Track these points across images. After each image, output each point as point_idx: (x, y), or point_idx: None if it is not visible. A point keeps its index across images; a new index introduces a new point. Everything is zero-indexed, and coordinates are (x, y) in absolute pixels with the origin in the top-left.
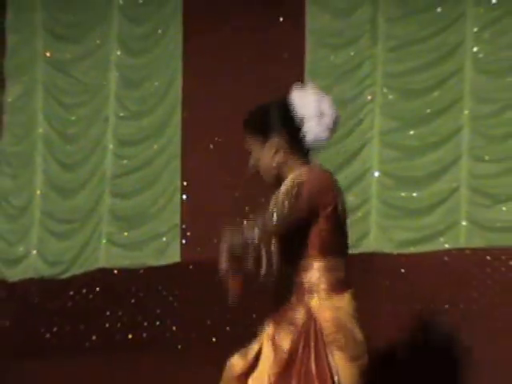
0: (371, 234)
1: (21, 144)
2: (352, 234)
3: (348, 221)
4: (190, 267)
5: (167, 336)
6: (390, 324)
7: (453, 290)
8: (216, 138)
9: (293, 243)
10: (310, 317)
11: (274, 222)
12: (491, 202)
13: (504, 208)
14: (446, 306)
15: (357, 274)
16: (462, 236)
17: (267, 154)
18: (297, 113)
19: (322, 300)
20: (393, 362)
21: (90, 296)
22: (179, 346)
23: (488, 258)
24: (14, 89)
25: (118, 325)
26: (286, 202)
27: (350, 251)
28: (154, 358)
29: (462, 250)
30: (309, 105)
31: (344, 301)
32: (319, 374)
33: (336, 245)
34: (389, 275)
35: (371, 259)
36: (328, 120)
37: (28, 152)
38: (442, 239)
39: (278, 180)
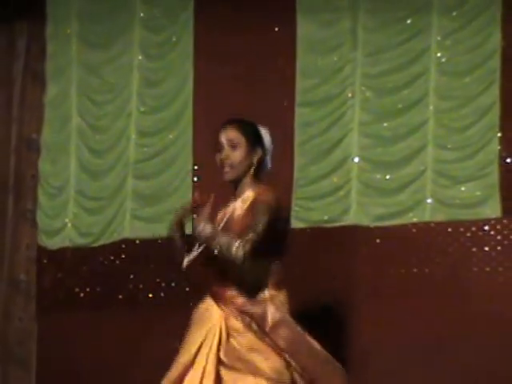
0: (351, 210)
1: (58, 135)
2: (335, 210)
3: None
4: None
5: (181, 296)
6: (367, 285)
7: (420, 256)
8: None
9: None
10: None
11: (247, 251)
12: (452, 182)
13: (463, 188)
14: (415, 270)
15: (339, 244)
16: (428, 211)
17: (247, 159)
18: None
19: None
20: (368, 319)
21: (117, 262)
22: (191, 304)
23: (449, 229)
24: (52, 88)
25: (140, 286)
26: (259, 224)
27: (335, 224)
28: (171, 314)
29: (427, 223)
30: (268, 142)
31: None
32: None
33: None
34: (366, 244)
35: (352, 231)
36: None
37: (64, 141)
38: (410, 214)
39: (237, 182)
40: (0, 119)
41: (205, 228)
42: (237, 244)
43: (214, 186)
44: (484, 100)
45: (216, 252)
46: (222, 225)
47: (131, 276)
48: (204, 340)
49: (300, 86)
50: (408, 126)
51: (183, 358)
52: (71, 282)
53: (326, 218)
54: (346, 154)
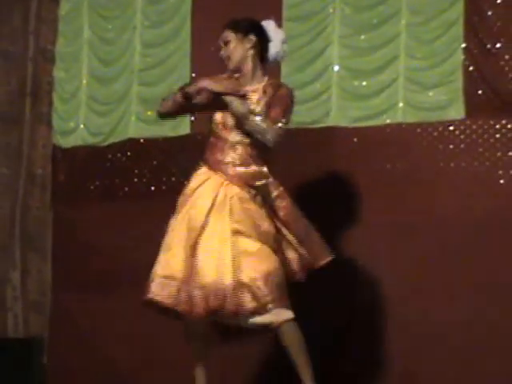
0: (332, 113)
1: (71, 46)
2: (318, 113)
3: None
4: (198, 137)
5: (181, 188)
6: (345, 179)
7: (392, 154)
8: (216, 43)
9: None
10: None
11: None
12: (421, 88)
13: (430, 93)
14: (388, 166)
15: (321, 143)
16: (400, 114)
17: (243, 47)
18: (269, 35)
19: None
20: (346, 207)
21: (123, 159)
22: None
23: (418, 130)
24: (66, 4)
25: (144, 180)
26: (289, 111)
27: (317, 126)
28: (170, 204)
29: (399, 124)
30: (277, 35)
31: None
32: None
33: None
34: (345, 143)
35: (332, 131)
36: (283, 51)
37: (77, 51)
38: (384, 116)
39: (238, 71)
40: (19, 32)
41: (244, 104)
42: (274, 129)
43: None
44: (450, 14)
45: (248, 128)
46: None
47: (136, 171)
48: (212, 206)
49: (287, 3)
50: (382, 39)
51: (194, 223)
52: (82, 177)
53: (309, 119)
54: (328, 63)
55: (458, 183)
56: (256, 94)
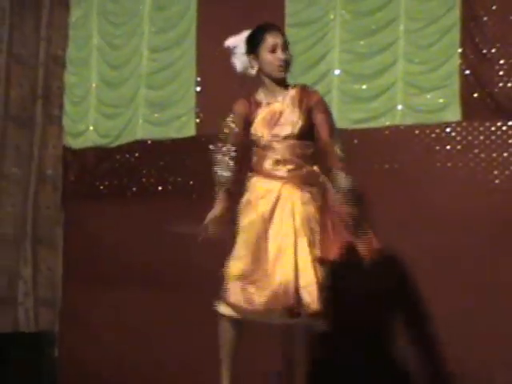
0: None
1: (81, 51)
2: None
3: None
4: (203, 139)
5: (186, 188)
6: None
7: (391, 154)
8: (222, 47)
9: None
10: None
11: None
12: (419, 91)
13: (428, 96)
14: (386, 166)
15: None
16: (398, 116)
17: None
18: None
19: None
20: None
21: (131, 159)
22: (194, 196)
23: (416, 131)
24: (76, 12)
25: (151, 180)
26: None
27: None
28: (177, 204)
29: (398, 126)
30: None
31: None
32: None
33: None
34: (345, 145)
35: None
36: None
37: (86, 56)
38: (383, 118)
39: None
40: (31, 38)
41: None
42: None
43: (213, 95)
44: (446, 20)
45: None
46: (274, 121)
47: (143, 172)
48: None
49: (289, 10)
50: (381, 44)
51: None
52: (92, 177)
53: None
54: (329, 68)
55: (454, 183)
56: (288, 104)
